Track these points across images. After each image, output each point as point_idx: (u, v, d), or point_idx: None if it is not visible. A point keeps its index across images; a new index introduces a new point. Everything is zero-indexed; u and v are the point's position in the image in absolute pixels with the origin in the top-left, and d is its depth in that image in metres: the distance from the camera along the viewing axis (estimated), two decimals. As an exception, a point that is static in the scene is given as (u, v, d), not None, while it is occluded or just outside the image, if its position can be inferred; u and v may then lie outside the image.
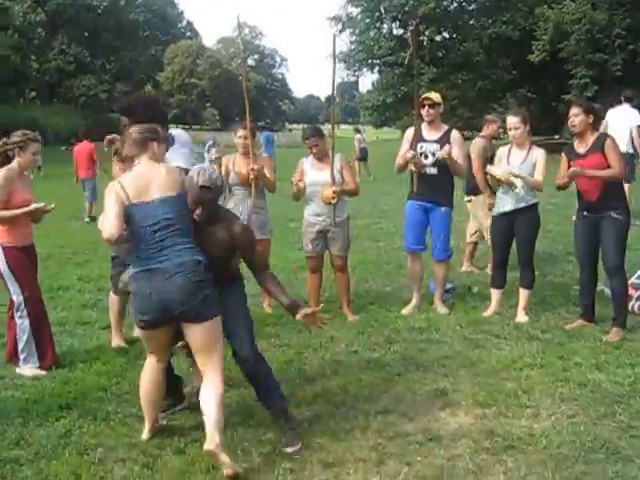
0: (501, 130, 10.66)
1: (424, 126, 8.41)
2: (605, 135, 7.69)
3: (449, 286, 9.20)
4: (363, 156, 29.74)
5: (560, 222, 14.45)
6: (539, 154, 7.97)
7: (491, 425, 5.34)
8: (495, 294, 8.37)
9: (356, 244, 12.51)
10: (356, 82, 57.83)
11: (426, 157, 8.24)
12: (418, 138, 8.29)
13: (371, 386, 6.16)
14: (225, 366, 5.15)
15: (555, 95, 43.62)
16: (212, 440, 4.57)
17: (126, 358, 6.93)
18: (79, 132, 19.97)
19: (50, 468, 4.74)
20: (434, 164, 8.21)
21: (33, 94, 70.35)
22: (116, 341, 7.38)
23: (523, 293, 8.16)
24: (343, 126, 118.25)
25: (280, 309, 8.32)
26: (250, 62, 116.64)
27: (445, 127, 8.50)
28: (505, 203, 8.02)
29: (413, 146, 8.22)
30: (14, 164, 6.66)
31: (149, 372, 5.21)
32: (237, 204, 8.28)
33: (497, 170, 7.99)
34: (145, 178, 4.87)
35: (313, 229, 8.26)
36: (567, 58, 40.85)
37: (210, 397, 4.79)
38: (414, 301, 8.55)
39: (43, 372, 6.64)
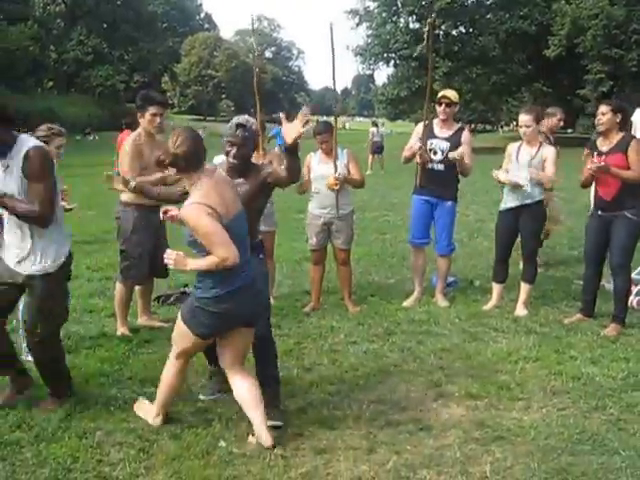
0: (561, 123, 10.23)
1: (436, 122, 8.49)
2: (631, 137, 7.66)
3: (451, 279, 9.28)
4: (376, 149, 29.79)
5: (566, 217, 14.47)
6: (549, 151, 8.02)
7: (482, 416, 5.43)
8: (496, 288, 8.45)
9: (362, 236, 12.66)
10: (371, 75, 57.57)
11: (435, 153, 8.30)
12: (429, 134, 8.36)
13: (367, 376, 6.26)
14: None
15: (570, 90, 43.65)
16: (268, 438, 4.89)
17: (129, 346, 7.02)
18: (123, 121, 20.04)
19: (49, 450, 4.85)
20: (441, 161, 8.29)
21: (51, 84, 70.62)
22: (121, 329, 7.49)
23: (524, 287, 8.23)
24: (358, 118, 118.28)
25: (282, 300, 8.54)
26: (267, 54, 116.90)
27: (457, 125, 8.59)
28: (512, 199, 8.08)
29: (423, 140, 8.29)
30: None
31: (179, 372, 5.24)
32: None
33: (502, 175, 8.05)
34: (221, 194, 4.73)
35: (318, 222, 8.33)
36: (583, 53, 40.82)
37: (254, 393, 5.02)
38: (415, 294, 8.64)
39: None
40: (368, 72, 54.40)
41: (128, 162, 7.11)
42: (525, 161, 7.95)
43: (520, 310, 8.12)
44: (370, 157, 29.41)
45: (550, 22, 43.43)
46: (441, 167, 8.31)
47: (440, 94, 8.45)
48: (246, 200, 5.07)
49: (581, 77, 42.09)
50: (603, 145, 7.55)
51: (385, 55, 50.23)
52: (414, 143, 8.40)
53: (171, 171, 4.74)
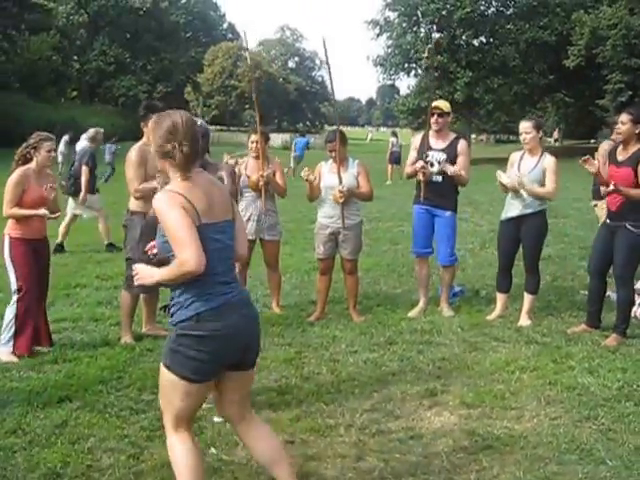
0: None
1: (432, 134, 8.51)
2: None
3: (457, 289, 9.31)
4: (395, 160, 29.87)
5: (578, 227, 14.50)
6: (549, 162, 8.01)
7: (474, 425, 5.45)
8: (500, 298, 8.47)
9: (375, 247, 12.73)
10: (392, 85, 57.68)
11: (432, 165, 8.34)
12: (426, 146, 8.40)
13: (364, 385, 6.30)
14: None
15: (591, 100, 43.47)
16: None
17: (131, 354, 7.11)
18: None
19: (41, 456, 4.93)
20: (439, 172, 8.33)
21: (74, 94, 71.15)
22: (125, 338, 7.57)
23: (527, 298, 8.23)
24: (382, 129, 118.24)
25: (288, 310, 8.60)
26: (290, 64, 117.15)
27: (452, 135, 8.60)
28: (513, 208, 8.10)
29: (420, 153, 8.35)
30: (32, 164, 7.16)
31: (188, 448, 3.99)
32: (247, 206, 8.51)
33: (505, 178, 8.06)
34: (209, 193, 3.94)
35: (325, 231, 8.38)
36: (603, 63, 40.68)
37: (273, 442, 4.23)
38: (420, 304, 8.66)
39: (15, 359, 6.97)
40: (389, 82, 54.26)
41: (133, 170, 7.26)
42: (527, 170, 7.96)
43: (523, 320, 8.12)
44: (389, 167, 29.49)
45: (570, 32, 43.33)
46: (439, 178, 8.35)
47: (432, 105, 8.49)
48: None
49: (601, 87, 41.94)
50: (620, 154, 7.53)
51: (406, 65, 50.31)
52: (414, 159, 8.44)
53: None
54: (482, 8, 48.57)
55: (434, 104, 8.54)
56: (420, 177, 8.33)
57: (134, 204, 7.43)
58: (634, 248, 7.45)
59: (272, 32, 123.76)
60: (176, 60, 77.19)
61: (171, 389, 3.91)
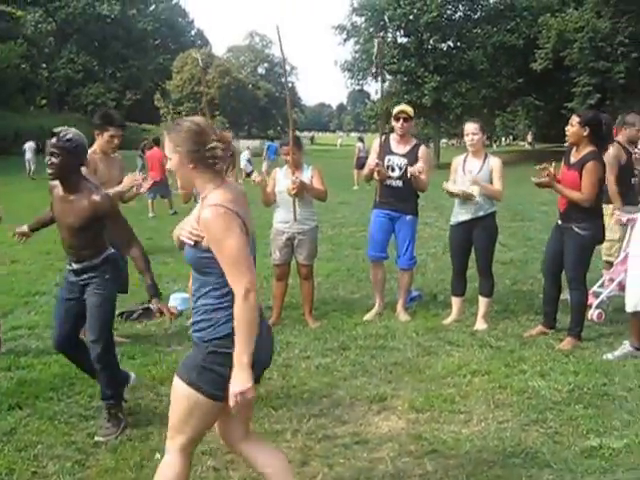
0: None
1: (393, 138, 8.54)
2: (593, 155, 7.39)
3: (415, 294, 9.32)
4: (361, 165, 30.04)
5: (543, 230, 14.50)
6: (496, 163, 8.05)
7: (421, 430, 5.44)
8: (455, 302, 8.48)
9: (337, 252, 12.73)
10: (361, 90, 57.71)
11: (392, 170, 8.35)
12: (387, 150, 8.43)
13: (313, 390, 6.28)
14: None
15: (561, 103, 43.82)
16: None
17: (84, 362, 7.05)
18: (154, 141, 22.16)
19: (-15, 464, 4.89)
20: (400, 177, 8.34)
21: (43, 102, 70.78)
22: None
23: (482, 301, 8.26)
24: (353, 134, 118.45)
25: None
26: (260, 71, 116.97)
27: (414, 141, 8.62)
28: (463, 212, 8.11)
29: (380, 157, 8.35)
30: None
31: (182, 473, 3.77)
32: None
33: (453, 187, 8.08)
34: (244, 203, 3.72)
35: (281, 237, 8.36)
36: (571, 66, 40.99)
37: (278, 453, 4.10)
38: (376, 308, 8.67)
39: None
40: (357, 87, 54.34)
41: None
42: (472, 172, 7.99)
43: (479, 324, 8.14)
44: (356, 172, 29.59)
45: (537, 35, 43.66)
46: (399, 183, 8.36)
47: (397, 109, 8.49)
48: (73, 219, 5.35)
49: (570, 90, 42.24)
50: (573, 157, 7.56)
51: (373, 70, 50.43)
52: (372, 160, 8.46)
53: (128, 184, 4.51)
54: (449, 12, 48.86)
55: (400, 108, 8.54)
56: (376, 177, 8.33)
57: None
58: (583, 249, 7.47)
59: (241, 38, 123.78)
60: (144, 67, 77.10)
61: (194, 409, 3.64)
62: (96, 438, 5.35)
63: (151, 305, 8.76)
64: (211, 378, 3.58)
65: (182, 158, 3.62)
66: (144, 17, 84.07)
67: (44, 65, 68.75)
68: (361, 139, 33.81)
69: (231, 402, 3.49)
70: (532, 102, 53.02)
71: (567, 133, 7.49)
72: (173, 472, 3.72)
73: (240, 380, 3.45)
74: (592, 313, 8.28)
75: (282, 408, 5.88)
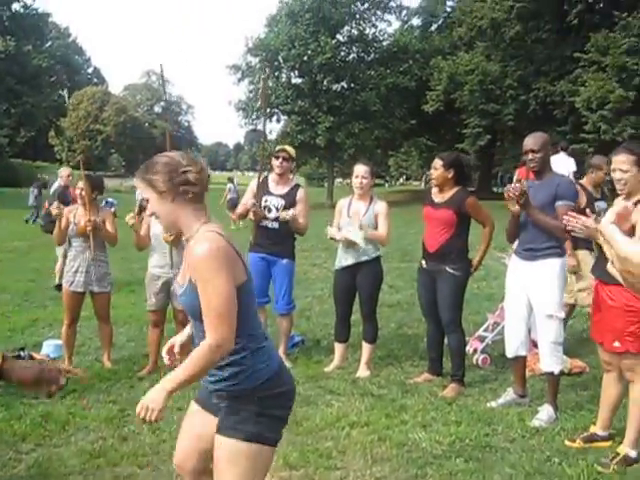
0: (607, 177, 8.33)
1: (272, 178, 8.29)
2: (466, 192, 7.44)
3: (298, 339, 9.04)
4: (233, 205, 30.01)
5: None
6: (382, 206, 7.87)
7: (293, 489, 5.12)
8: (338, 348, 8.21)
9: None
10: (254, 130, 57.80)
11: (269, 211, 8.09)
12: (265, 190, 8.16)
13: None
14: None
15: (452, 144, 44.64)
16: None
17: None
18: None
19: None
20: (276, 219, 8.07)
21: None
22: None
23: (366, 347, 8.00)
24: (250, 173, 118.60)
25: (120, 364, 8.13)
26: (156, 109, 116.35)
27: (293, 182, 8.41)
28: (348, 257, 7.88)
29: (257, 196, 8.08)
30: None
31: None
32: (76, 256, 8.04)
33: (335, 233, 7.87)
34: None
35: (157, 282, 7.97)
36: (461, 108, 41.80)
37: None
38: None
39: None
40: (251, 127, 54.23)
41: None
42: (358, 214, 7.79)
43: (362, 371, 7.86)
44: (231, 214, 29.52)
45: (429, 77, 44.41)
46: (276, 225, 8.08)
47: (278, 148, 8.29)
48: None
49: (461, 131, 42.99)
50: (437, 197, 7.43)
51: (267, 110, 50.38)
52: (247, 200, 8.19)
53: None
54: (342, 54, 49.22)
55: (280, 147, 8.35)
56: (251, 217, 8.06)
57: None
58: (457, 291, 7.35)
59: (138, 77, 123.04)
60: (38, 104, 75.37)
61: (257, 462, 3.43)
62: None
63: (22, 353, 8.36)
64: (271, 423, 3.45)
65: (158, 195, 3.40)
66: (39, 53, 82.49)
67: None
68: (231, 179, 33.95)
69: (138, 410, 3.30)
70: (425, 143, 53.91)
71: (432, 176, 7.42)
72: None
73: (156, 398, 3.28)
74: (477, 357, 8.16)
75: (148, 466, 5.47)
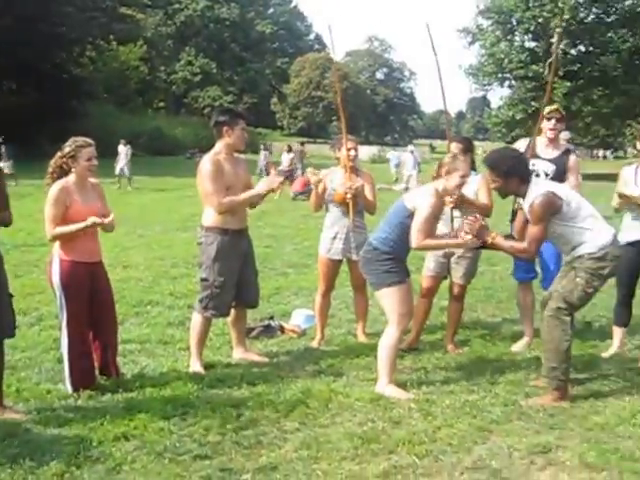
0: None
1: (542, 142, 7.58)
2: None
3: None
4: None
5: None
6: None
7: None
8: (617, 332, 7.55)
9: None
10: (484, 97, 56.56)
11: (538, 176, 7.30)
12: (533, 154, 7.45)
13: (463, 435, 5.37)
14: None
15: None
16: None
17: (200, 385, 6.31)
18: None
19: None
20: None
21: (160, 104, 71.67)
22: (194, 367, 6.81)
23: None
24: (475, 143, 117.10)
25: (375, 338, 7.63)
26: (379, 75, 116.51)
27: (564, 147, 7.73)
28: (635, 230, 7.18)
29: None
30: (70, 177, 6.19)
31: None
32: (333, 223, 7.75)
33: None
34: None
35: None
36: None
37: None
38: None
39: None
40: (481, 93, 53.02)
41: (211, 183, 6.59)
42: None
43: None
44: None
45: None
46: None
47: (549, 108, 7.52)
48: None
49: None
50: None
51: (499, 75, 48.95)
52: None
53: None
54: (581, 15, 46.88)
55: (551, 107, 7.56)
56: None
57: (211, 219, 6.75)
58: None
59: (360, 43, 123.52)
60: (262, 71, 77.32)
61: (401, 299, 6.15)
62: None
63: (272, 323, 8.16)
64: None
65: None
66: (262, 20, 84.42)
67: (162, 67, 69.62)
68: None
69: None
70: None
71: None
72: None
73: None
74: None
75: (428, 456, 5.00)
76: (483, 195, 7.28)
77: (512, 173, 5.98)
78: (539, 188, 5.93)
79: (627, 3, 47.12)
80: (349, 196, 7.41)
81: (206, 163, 6.66)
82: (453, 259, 7.45)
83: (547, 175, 7.32)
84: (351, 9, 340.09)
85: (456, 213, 7.17)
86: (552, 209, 5.84)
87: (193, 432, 5.35)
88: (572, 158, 7.54)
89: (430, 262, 7.57)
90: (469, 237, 5.99)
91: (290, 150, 29.85)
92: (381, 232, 6.24)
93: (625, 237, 7.09)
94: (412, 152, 29.99)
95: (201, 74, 71.66)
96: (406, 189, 23.69)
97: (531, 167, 7.03)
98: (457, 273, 7.51)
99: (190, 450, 5.05)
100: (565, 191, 6.09)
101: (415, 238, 5.94)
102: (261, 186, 6.79)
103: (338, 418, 5.65)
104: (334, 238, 7.66)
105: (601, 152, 75.76)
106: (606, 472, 4.79)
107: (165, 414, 5.65)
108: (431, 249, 6.82)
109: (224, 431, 5.33)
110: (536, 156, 7.41)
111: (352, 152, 7.62)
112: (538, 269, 7.79)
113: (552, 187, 6.04)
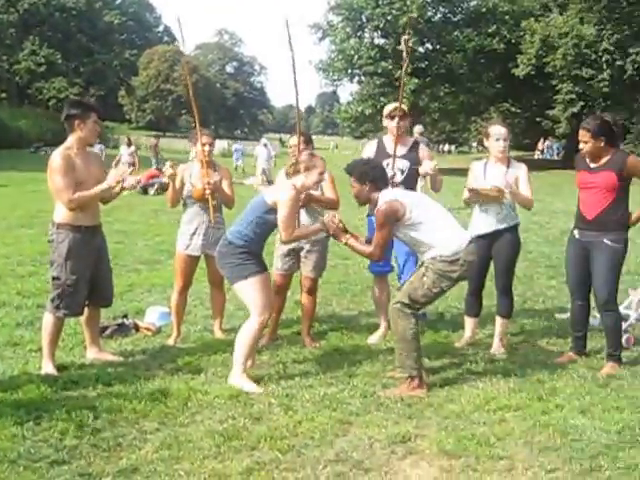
0: None
1: (388, 140, 7.76)
2: (625, 153, 6.96)
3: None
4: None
5: (541, 243, 13.87)
6: (521, 169, 7.40)
7: (459, 480, 4.61)
8: (469, 323, 7.73)
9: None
10: (333, 92, 57.27)
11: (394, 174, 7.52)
12: (384, 154, 7.64)
13: (324, 428, 5.40)
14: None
15: (540, 110, 43.40)
16: None
17: (53, 388, 6.08)
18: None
19: None
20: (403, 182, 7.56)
21: (3, 95, 69.12)
22: (46, 368, 6.57)
23: (501, 322, 7.50)
24: (324, 137, 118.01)
25: (231, 334, 7.57)
26: (229, 69, 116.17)
27: (411, 141, 7.92)
28: (484, 223, 7.33)
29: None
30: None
31: None
32: (191, 219, 7.60)
33: (481, 184, 7.31)
34: None
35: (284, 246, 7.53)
36: (553, 73, 40.64)
37: None
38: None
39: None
40: (331, 88, 53.69)
41: (61, 178, 6.39)
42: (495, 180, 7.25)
43: (497, 348, 7.39)
44: None
45: (519, 40, 43.22)
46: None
47: (391, 107, 7.76)
48: None
49: (551, 97, 41.85)
50: (592, 162, 6.84)
51: (349, 71, 49.56)
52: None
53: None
54: (429, 14, 47.99)
55: (393, 106, 7.75)
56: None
57: (62, 216, 6.53)
58: (616, 264, 6.81)
59: (210, 36, 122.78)
60: (110, 62, 75.65)
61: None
62: None
63: (125, 320, 7.99)
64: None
65: None
66: (110, 10, 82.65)
67: (4, 57, 67.07)
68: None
69: None
70: (508, 108, 52.56)
71: (582, 151, 6.80)
72: None
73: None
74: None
75: (290, 451, 5.01)
76: (329, 190, 7.44)
77: (365, 180, 6.24)
78: (385, 195, 6.18)
79: (472, 3, 48.80)
80: (208, 192, 7.32)
81: (56, 157, 6.45)
82: (302, 253, 7.53)
83: (403, 172, 7.49)
84: (201, 1, 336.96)
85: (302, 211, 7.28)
86: (394, 216, 6.09)
87: (48, 437, 5.17)
88: (421, 147, 7.80)
89: (278, 262, 7.66)
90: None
91: (130, 144, 28.53)
92: (237, 226, 6.35)
93: (474, 231, 7.26)
94: (265, 145, 29.89)
95: (46, 64, 69.41)
96: (269, 182, 23.69)
97: (386, 167, 7.15)
98: (307, 267, 7.59)
99: (46, 456, 4.87)
100: (412, 198, 6.32)
101: (285, 232, 6.19)
102: (109, 179, 6.60)
103: (198, 416, 5.59)
104: (193, 234, 7.54)
105: (447, 147, 78.22)
106: (464, 458, 4.93)
107: (18, 419, 5.41)
108: (300, 239, 6.87)
109: (81, 434, 5.17)
110: (388, 156, 7.55)
111: (207, 147, 7.52)
112: (394, 263, 7.92)
113: (399, 195, 6.28)
